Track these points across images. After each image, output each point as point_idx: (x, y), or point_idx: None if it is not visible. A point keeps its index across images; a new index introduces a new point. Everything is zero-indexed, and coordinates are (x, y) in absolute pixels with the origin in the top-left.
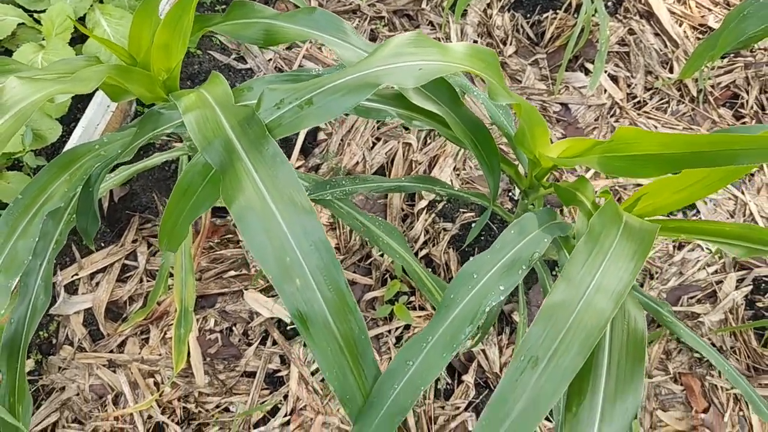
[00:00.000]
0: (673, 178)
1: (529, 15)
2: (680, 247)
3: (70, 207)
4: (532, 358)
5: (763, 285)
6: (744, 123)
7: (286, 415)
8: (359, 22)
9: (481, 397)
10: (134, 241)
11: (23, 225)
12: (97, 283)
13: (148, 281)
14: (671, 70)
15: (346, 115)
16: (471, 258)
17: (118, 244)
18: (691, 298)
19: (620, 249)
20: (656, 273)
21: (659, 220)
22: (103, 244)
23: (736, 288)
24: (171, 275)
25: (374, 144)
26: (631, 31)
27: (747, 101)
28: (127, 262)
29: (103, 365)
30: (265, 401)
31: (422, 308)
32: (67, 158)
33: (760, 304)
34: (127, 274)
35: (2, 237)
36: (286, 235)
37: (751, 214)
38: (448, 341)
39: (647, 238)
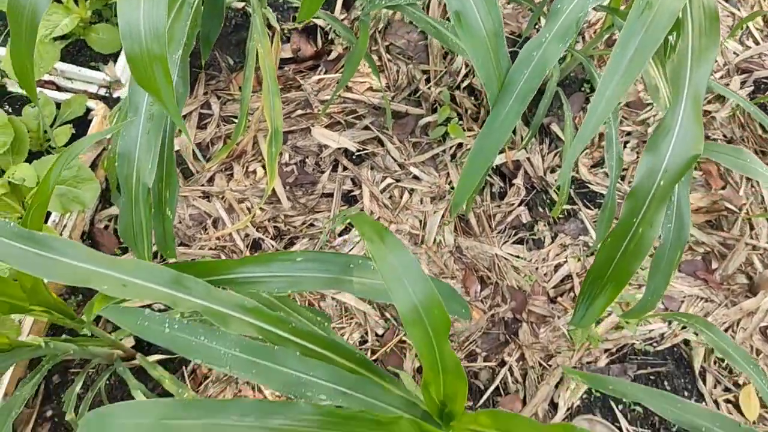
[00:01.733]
0: None
1: None
2: None
3: (191, 14)
4: (648, 2)
5: (763, 85)
6: None
7: None
8: None
9: (530, 195)
10: (205, 94)
11: (174, 12)
12: (180, 130)
13: (224, 125)
14: None
15: None
16: None
17: (191, 96)
18: (703, 100)
19: None
20: None
21: None
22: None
23: (740, 88)
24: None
25: None
26: None
27: None
28: (202, 111)
29: (199, 197)
30: (345, 215)
31: (470, 129)
32: None
33: (762, 100)
34: (205, 121)
35: None
36: None
37: (748, 28)
38: (561, 36)
39: None
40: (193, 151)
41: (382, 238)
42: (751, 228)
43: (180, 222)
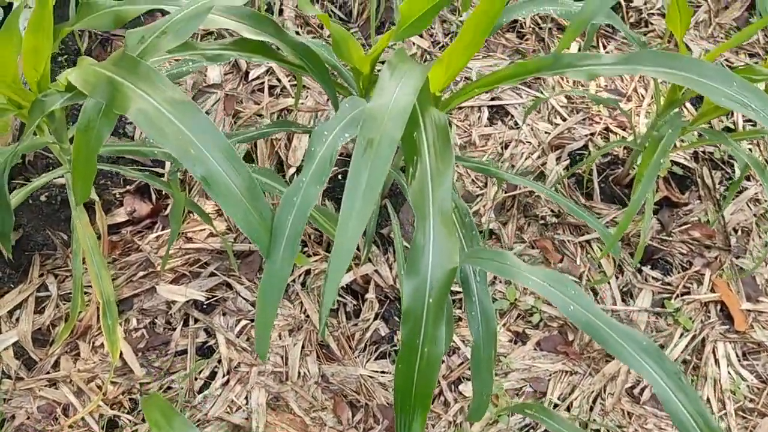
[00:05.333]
0: (456, 42)
1: (335, 0)
2: (506, 146)
3: None
4: (369, 140)
5: (577, 156)
6: (526, 39)
7: (224, 376)
8: None
9: (384, 307)
10: (41, 275)
11: None
12: (17, 319)
13: (64, 304)
14: (458, 14)
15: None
16: (319, 123)
17: (26, 282)
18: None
19: (411, 69)
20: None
21: (467, 86)
22: (12, 285)
23: (557, 164)
24: (86, 293)
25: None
26: None
27: (524, 23)
28: (39, 294)
29: (44, 386)
30: (202, 370)
31: (316, 254)
32: None
33: (579, 171)
34: (43, 305)
35: None
36: (172, 120)
37: (554, 107)
38: (317, 177)
39: (426, 67)
40: (31, 341)
41: (170, 422)
42: (595, 294)
43: (28, 418)
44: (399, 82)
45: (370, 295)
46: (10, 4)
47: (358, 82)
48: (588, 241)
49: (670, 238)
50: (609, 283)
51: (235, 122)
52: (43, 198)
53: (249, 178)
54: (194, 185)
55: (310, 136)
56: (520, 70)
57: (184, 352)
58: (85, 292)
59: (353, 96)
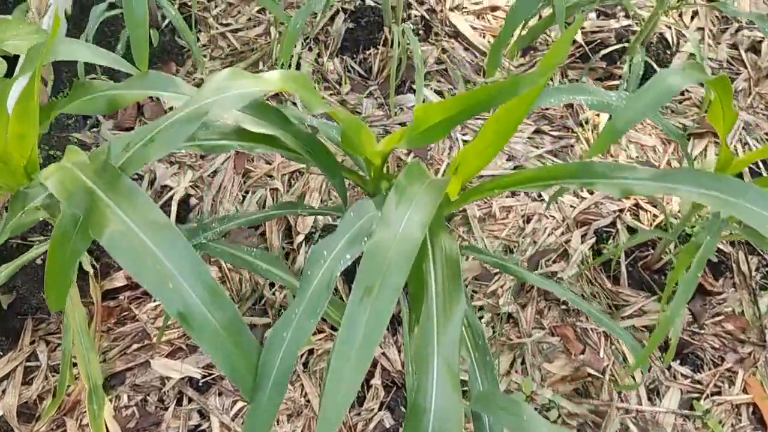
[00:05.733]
0: (473, 145)
1: (355, 55)
2: (528, 220)
3: None
4: (367, 288)
5: (604, 234)
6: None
7: None
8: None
9: (391, 395)
10: (32, 343)
11: None
12: (4, 391)
13: (53, 376)
14: (484, 75)
15: (213, 175)
16: (319, 240)
17: (16, 349)
18: (548, 260)
19: (422, 194)
20: (514, 247)
21: (482, 185)
22: (1, 353)
23: (582, 242)
24: (75, 364)
25: (244, 197)
26: (444, 50)
27: None
28: (28, 363)
29: None
30: None
31: (321, 331)
32: None
33: (605, 251)
34: (32, 375)
35: None
36: (151, 248)
37: None
38: (312, 309)
39: (442, 186)
40: (16, 416)
41: None
42: (619, 391)
43: None
44: (407, 212)
45: (376, 380)
46: (17, 56)
47: (369, 171)
48: None
49: (702, 331)
50: (634, 378)
51: (245, 182)
52: (39, 261)
53: (233, 314)
54: None
55: (307, 259)
56: (543, 175)
57: None
58: (75, 364)
59: (361, 201)
